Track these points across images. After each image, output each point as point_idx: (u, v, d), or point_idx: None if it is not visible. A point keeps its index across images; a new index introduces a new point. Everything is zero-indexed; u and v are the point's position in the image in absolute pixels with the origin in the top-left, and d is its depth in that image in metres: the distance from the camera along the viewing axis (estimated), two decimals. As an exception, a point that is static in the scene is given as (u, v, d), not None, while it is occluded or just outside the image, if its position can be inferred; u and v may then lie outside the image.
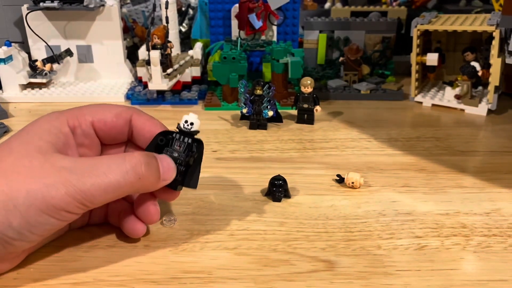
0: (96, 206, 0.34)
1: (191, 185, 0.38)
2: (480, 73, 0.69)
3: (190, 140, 0.38)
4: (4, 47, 0.74)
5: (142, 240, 0.40)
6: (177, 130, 0.38)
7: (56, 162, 0.33)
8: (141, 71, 0.74)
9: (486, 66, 0.68)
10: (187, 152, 0.38)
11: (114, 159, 0.34)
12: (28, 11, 0.75)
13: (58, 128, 0.36)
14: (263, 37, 0.78)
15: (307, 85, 0.63)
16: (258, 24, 0.75)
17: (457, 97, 0.70)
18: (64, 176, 0.32)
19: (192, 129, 0.38)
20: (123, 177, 0.34)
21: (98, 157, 0.35)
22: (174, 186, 0.38)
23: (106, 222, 0.42)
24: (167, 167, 0.37)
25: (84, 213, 0.38)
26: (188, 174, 0.38)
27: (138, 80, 0.77)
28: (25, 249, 0.35)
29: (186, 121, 0.38)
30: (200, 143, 0.38)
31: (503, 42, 0.65)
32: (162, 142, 0.38)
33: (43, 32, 0.77)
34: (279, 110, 0.65)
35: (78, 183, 0.32)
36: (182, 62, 0.74)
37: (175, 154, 0.38)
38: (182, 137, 0.38)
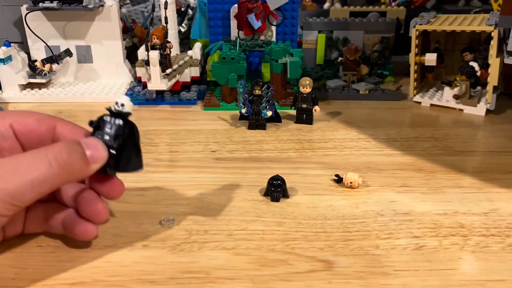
0: (26, 204, 0.33)
1: (128, 169, 0.37)
2: (478, 73, 0.69)
3: (121, 122, 0.36)
4: (4, 48, 0.74)
5: (140, 240, 0.40)
6: (108, 112, 0.36)
7: None
8: (141, 71, 0.74)
9: (485, 66, 0.68)
10: (118, 134, 0.36)
11: (35, 154, 0.33)
12: (28, 11, 0.75)
13: None
14: (262, 37, 0.78)
15: (306, 85, 0.63)
16: (257, 24, 0.75)
17: (456, 97, 0.71)
18: None
19: (123, 111, 0.36)
20: (47, 169, 0.32)
21: (18, 155, 0.34)
22: (105, 170, 0.36)
23: (45, 230, 0.40)
24: (93, 147, 0.35)
25: (16, 221, 0.37)
26: (123, 159, 0.36)
27: (138, 80, 0.77)
28: None
29: (116, 103, 0.36)
30: (131, 124, 0.36)
31: (502, 42, 0.65)
32: (92, 125, 0.36)
33: (42, 33, 0.77)
34: (278, 110, 0.65)
35: (3, 184, 0.31)
36: (181, 62, 0.74)
37: (106, 137, 0.36)
38: (113, 119, 0.36)
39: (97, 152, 0.35)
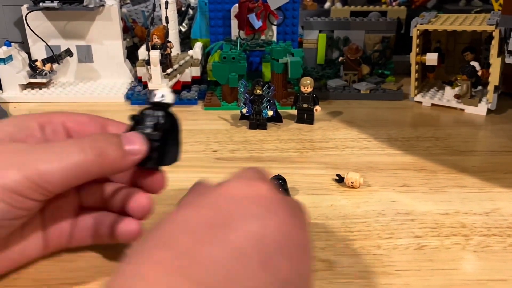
0: (56, 191, 0.31)
1: (167, 162, 0.35)
2: (479, 73, 0.69)
3: (161, 114, 0.35)
4: (4, 47, 0.74)
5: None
6: (149, 105, 0.35)
7: (10, 146, 0.31)
8: (141, 71, 0.74)
9: (486, 65, 0.68)
10: (159, 127, 0.35)
11: (70, 141, 0.33)
12: (28, 11, 0.75)
13: (24, 122, 0.34)
14: (262, 37, 0.78)
15: (306, 85, 0.63)
16: (257, 24, 0.75)
17: (457, 96, 0.71)
18: (19, 157, 0.30)
19: (163, 101, 0.35)
20: (80, 155, 0.31)
21: (54, 142, 0.33)
22: (145, 163, 0.34)
23: (93, 243, 0.38)
24: (132, 140, 0.33)
25: (62, 231, 0.36)
26: (162, 152, 0.35)
27: (138, 80, 0.77)
28: None
29: (156, 94, 0.35)
30: (171, 116, 0.35)
31: (503, 41, 0.65)
32: (134, 119, 0.35)
33: (43, 32, 0.77)
34: (279, 110, 0.65)
35: (34, 162, 0.30)
36: (182, 62, 0.74)
37: (147, 130, 0.34)
38: (153, 111, 0.35)
39: (136, 145, 0.33)
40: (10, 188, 0.29)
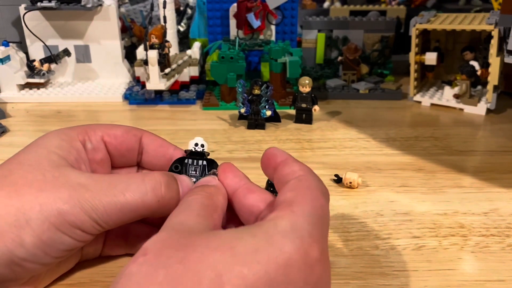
0: (110, 227, 0.32)
1: None
2: (479, 72, 0.69)
3: (204, 162, 0.37)
4: (2, 47, 0.73)
5: (138, 240, 0.40)
6: (188, 155, 0.37)
7: (70, 176, 0.31)
8: (139, 71, 0.74)
9: (485, 65, 0.68)
10: (204, 175, 0.36)
11: (132, 178, 0.32)
12: (26, 11, 0.75)
13: (69, 142, 0.34)
14: (261, 37, 0.77)
15: (305, 85, 0.63)
16: (256, 23, 0.75)
17: (456, 96, 0.70)
18: (79, 192, 0.30)
19: (204, 151, 0.37)
20: (141, 198, 0.31)
21: (115, 175, 0.33)
22: None
23: (127, 252, 0.38)
24: (187, 187, 0.34)
25: (96, 241, 0.36)
26: None
27: (136, 80, 0.77)
28: (35, 274, 0.31)
29: (196, 144, 0.37)
30: (215, 163, 0.37)
31: (502, 41, 0.65)
32: (177, 169, 0.36)
33: (40, 32, 0.77)
34: (277, 110, 0.65)
35: (94, 200, 0.30)
36: (180, 61, 0.74)
37: (193, 180, 0.36)
38: (195, 161, 0.37)
39: None
40: (72, 222, 0.29)
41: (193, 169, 0.36)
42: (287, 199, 0.27)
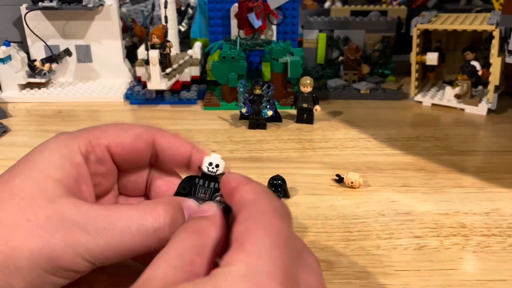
0: (105, 265, 0.30)
1: None
2: (480, 73, 0.69)
3: (216, 185, 0.32)
4: (3, 47, 0.74)
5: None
6: (200, 174, 0.33)
7: (65, 213, 0.28)
8: (140, 71, 0.74)
9: (486, 65, 0.68)
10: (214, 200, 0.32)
11: (134, 217, 0.29)
12: (27, 11, 0.75)
13: (69, 159, 0.31)
14: (262, 37, 0.78)
15: (306, 85, 0.63)
16: (257, 23, 0.75)
17: (457, 96, 0.70)
18: (74, 236, 0.28)
19: (218, 173, 0.32)
20: (141, 240, 0.29)
21: (115, 210, 0.29)
22: None
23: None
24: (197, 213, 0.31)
25: None
26: None
27: (137, 79, 0.77)
28: None
29: (210, 163, 0.32)
30: None
31: (503, 41, 0.65)
32: (185, 191, 0.32)
33: (42, 32, 0.77)
34: (279, 110, 0.65)
35: (89, 243, 0.28)
36: (181, 61, 0.74)
37: (201, 202, 0.32)
38: (206, 182, 0.32)
39: None
40: (65, 267, 0.28)
41: (203, 191, 0.32)
42: (238, 236, 0.25)
